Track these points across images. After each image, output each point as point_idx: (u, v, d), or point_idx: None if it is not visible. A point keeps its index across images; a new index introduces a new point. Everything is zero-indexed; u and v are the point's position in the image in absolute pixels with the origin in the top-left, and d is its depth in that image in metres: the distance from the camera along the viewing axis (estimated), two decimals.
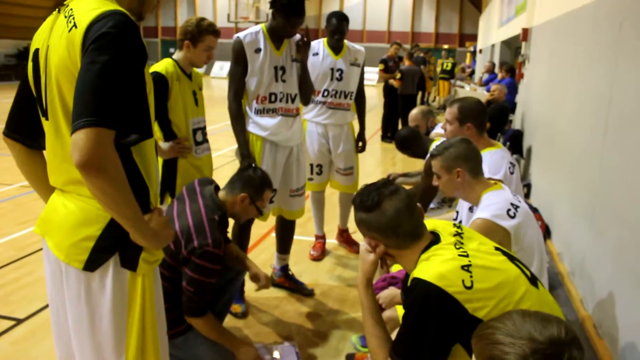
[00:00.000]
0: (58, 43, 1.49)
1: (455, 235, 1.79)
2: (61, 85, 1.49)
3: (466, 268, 1.62)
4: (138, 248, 1.56)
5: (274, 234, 4.09)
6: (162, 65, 3.05)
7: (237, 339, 2.69)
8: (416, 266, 1.72)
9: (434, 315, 1.58)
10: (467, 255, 1.66)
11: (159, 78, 2.94)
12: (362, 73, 4.30)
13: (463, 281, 1.58)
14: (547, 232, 4.65)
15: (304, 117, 4.30)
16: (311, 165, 4.33)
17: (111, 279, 1.56)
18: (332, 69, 4.13)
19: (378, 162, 8.72)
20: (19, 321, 3.32)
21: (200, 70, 3.34)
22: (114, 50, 1.40)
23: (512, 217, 2.38)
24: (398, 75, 10.14)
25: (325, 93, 4.17)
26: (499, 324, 1.29)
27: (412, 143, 3.99)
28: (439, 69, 15.59)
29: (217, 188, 2.73)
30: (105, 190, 1.38)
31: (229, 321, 3.25)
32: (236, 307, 3.42)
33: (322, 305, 3.65)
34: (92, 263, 1.54)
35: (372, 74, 21.47)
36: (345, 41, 4.21)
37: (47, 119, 1.57)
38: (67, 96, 1.49)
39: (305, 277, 4.02)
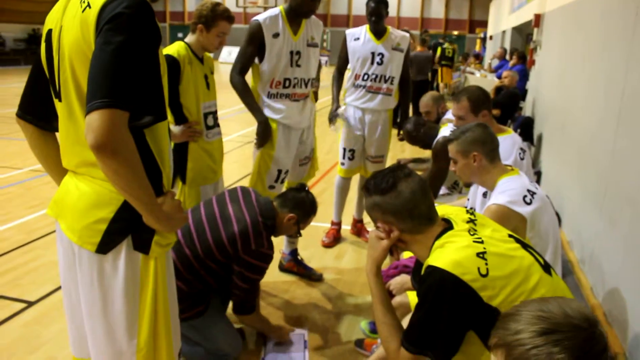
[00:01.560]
0: (71, 23, 1.47)
1: (468, 222, 1.76)
2: (74, 67, 1.48)
3: (481, 255, 1.59)
4: (151, 231, 1.56)
5: None
6: (174, 49, 3.03)
7: (273, 325, 3.03)
8: (430, 253, 1.70)
9: (448, 304, 1.55)
10: (482, 242, 1.64)
11: (171, 61, 2.91)
12: (407, 59, 4.27)
13: (479, 269, 1.55)
14: (557, 220, 4.62)
15: (344, 101, 4.33)
16: (344, 149, 4.36)
17: (124, 262, 1.56)
18: (372, 53, 4.13)
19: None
20: (29, 304, 3.34)
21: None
22: (129, 31, 1.39)
23: (529, 204, 2.36)
24: None
25: (365, 77, 4.18)
26: (532, 327, 1.12)
27: (418, 134, 4.01)
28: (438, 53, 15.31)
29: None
30: (118, 172, 1.37)
31: None
32: None
33: (331, 290, 3.66)
34: (105, 245, 1.54)
35: None
36: (389, 26, 4.21)
37: (60, 100, 1.56)
38: (80, 77, 1.48)
39: (313, 262, 4.02)
